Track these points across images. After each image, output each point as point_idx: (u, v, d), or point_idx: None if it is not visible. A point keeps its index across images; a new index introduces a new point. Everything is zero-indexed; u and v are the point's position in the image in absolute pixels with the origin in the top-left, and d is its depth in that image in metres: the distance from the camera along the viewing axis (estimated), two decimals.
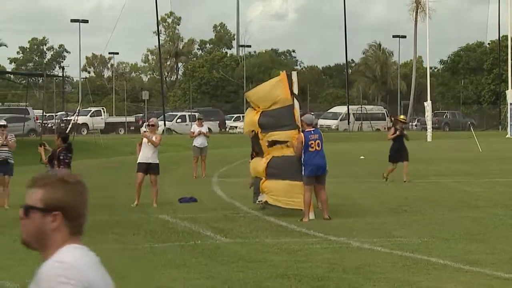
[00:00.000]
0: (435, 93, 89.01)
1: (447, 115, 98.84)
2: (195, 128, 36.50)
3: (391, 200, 24.65)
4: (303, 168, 22.76)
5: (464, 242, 18.66)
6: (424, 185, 30.85)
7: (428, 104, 76.50)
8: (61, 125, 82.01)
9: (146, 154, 25.74)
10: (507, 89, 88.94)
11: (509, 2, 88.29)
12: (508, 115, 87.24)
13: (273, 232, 20.99)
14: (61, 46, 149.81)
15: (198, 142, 34.76)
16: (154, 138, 25.69)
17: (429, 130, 72.52)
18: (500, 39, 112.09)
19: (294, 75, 25.43)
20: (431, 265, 16.05)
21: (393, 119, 30.36)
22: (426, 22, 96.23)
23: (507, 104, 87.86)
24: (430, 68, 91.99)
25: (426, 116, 75.86)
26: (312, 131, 23.24)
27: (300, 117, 23.54)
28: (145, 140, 25.73)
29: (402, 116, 39.17)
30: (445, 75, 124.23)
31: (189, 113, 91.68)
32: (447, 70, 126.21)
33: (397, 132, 31.28)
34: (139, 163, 25.85)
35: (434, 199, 25.17)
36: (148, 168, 25.99)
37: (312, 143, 22.86)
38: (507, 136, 76.93)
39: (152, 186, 25.88)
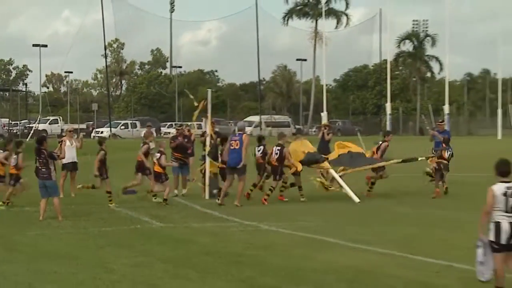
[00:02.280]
0: (329, 106, 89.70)
1: (339, 123, 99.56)
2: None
3: (295, 191, 24.65)
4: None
5: (353, 226, 18.87)
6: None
7: (324, 115, 77.38)
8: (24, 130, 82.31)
9: (72, 155, 25.59)
10: (386, 103, 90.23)
11: (388, 35, 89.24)
12: (388, 123, 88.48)
13: (199, 218, 21.03)
14: (24, 66, 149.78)
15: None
16: (74, 142, 25.57)
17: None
18: (381, 62, 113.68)
19: (209, 92, 25.82)
20: (325, 243, 16.25)
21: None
22: (323, 48, 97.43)
23: (386, 114, 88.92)
24: (326, 85, 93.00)
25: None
26: (236, 135, 23.82)
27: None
28: (68, 143, 25.46)
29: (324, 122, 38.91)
30: (337, 91, 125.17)
31: (131, 121, 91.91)
32: (339, 87, 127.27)
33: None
34: (66, 163, 25.58)
35: (331, 191, 25.21)
36: (73, 167, 26.05)
37: (232, 143, 23.48)
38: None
39: (72, 180, 26.00)
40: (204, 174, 25.26)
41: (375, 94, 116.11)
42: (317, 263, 13.82)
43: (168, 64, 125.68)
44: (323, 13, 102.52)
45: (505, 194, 10.75)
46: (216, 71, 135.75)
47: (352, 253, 14.98)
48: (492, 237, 10.84)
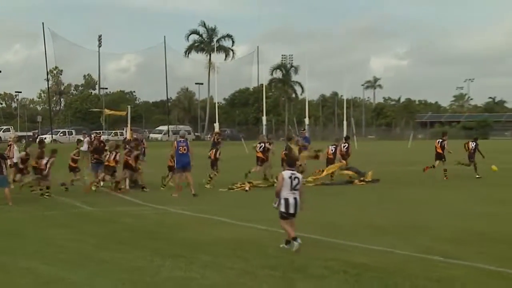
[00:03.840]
0: (220, 118, 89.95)
1: (227, 131, 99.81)
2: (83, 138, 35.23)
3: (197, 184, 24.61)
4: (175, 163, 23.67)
5: (242, 209, 18.96)
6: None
7: (216, 125, 77.40)
8: None
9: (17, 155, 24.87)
10: (263, 116, 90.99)
11: (264, 66, 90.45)
12: (264, 131, 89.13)
13: (122, 203, 20.80)
14: None
15: (84, 147, 33.51)
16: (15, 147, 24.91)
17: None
18: (259, 86, 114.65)
19: (128, 108, 25.88)
20: (218, 222, 16.26)
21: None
22: (215, 75, 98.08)
23: (262, 125, 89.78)
24: (218, 102, 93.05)
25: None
26: (181, 141, 23.66)
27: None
28: (15, 147, 24.65)
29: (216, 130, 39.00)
30: (226, 107, 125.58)
31: (68, 130, 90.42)
32: (228, 104, 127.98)
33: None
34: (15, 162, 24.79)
35: (225, 183, 25.23)
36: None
37: (180, 148, 23.33)
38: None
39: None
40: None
41: (254, 110, 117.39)
42: (211, 237, 13.82)
43: (97, 86, 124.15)
44: (215, 49, 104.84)
45: (290, 178, 12.20)
46: (134, 91, 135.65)
47: (238, 229, 15.04)
48: (282, 209, 12.31)
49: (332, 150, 28.97)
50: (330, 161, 28.57)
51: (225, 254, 11.93)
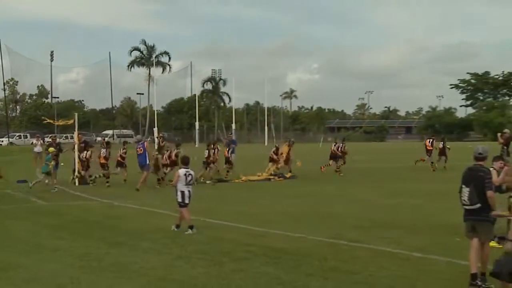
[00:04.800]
0: (159, 124, 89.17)
1: (165, 135, 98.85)
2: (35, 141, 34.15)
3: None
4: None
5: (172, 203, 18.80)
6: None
7: (155, 129, 76.89)
8: None
9: None
10: (195, 122, 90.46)
11: (196, 78, 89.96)
12: (197, 135, 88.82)
13: (73, 198, 20.28)
14: None
15: (37, 149, 32.47)
16: None
17: (156, 143, 72.66)
18: (192, 96, 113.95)
19: (75, 115, 25.56)
20: (157, 214, 16.12)
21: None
22: (154, 86, 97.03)
23: (195, 130, 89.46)
24: (156, 110, 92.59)
25: (155, 135, 76.06)
26: (139, 143, 23.94)
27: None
28: None
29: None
30: (164, 114, 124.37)
31: (23, 134, 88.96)
32: (166, 111, 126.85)
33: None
34: None
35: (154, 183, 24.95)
36: None
37: (138, 150, 23.57)
38: (196, 145, 78.15)
39: None
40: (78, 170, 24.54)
41: (188, 116, 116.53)
42: (152, 227, 13.68)
43: (49, 95, 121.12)
44: (154, 63, 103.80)
45: (185, 175, 12.91)
46: (82, 100, 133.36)
47: (173, 220, 14.88)
48: (180, 199, 13.00)
49: (334, 148, 30.23)
50: (332, 157, 30.08)
51: (164, 241, 11.84)
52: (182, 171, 13.09)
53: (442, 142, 31.89)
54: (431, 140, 32.31)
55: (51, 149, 23.90)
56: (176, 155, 24.01)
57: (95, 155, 24.96)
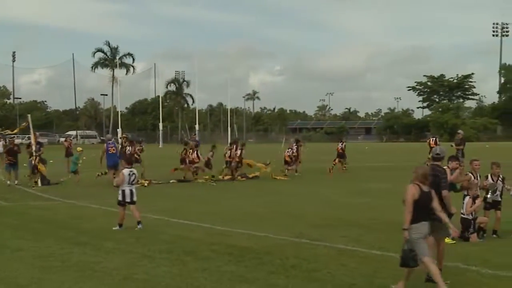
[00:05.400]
0: (123, 124, 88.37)
1: (129, 135, 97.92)
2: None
3: (103, 182, 23.98)
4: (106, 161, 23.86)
5: (140, 202, 18.57)
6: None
7: (119, 130, 76.22)
8: None
9: None
10: (159, 123, 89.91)
11: (160, 79, 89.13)
12: (160, 136, 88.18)
13: (34, 198, 19.95)
14: None
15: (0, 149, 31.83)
16: None
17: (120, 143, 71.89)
18: (156, 97, 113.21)
19: (28, 117, 25.31)
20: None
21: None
22: (118, 88, 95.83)
23: (159, 130, 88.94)
24: (120, 111, 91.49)
25: (119, 136, 75.35)
26: (110, 143, 24.07)
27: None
28: None
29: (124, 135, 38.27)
30: (128, 115, 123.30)
31: None
32: (129, 112, 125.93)
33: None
34: None
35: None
36: None
37: (110, 149, 23.63)
38: (160, 146, 77.63)
39: None
40: (37, 169, 24.07)
41: (152, 117, 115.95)
42: (115, 226, 13.49)
43: (11, 96, 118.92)
44: (118, 65, 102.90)
45: (129, 174, 13.16)
46: (45, 101, 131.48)
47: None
48: (120, 198, 13.17)
49: (341, 147, 31.11)
50: (339, 156, 30.84)
51: (128, 241, 11.74)
52: (126, 171, 13.30)
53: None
54: (434, 138, 33.86)
55: (79, 148, 24.94)
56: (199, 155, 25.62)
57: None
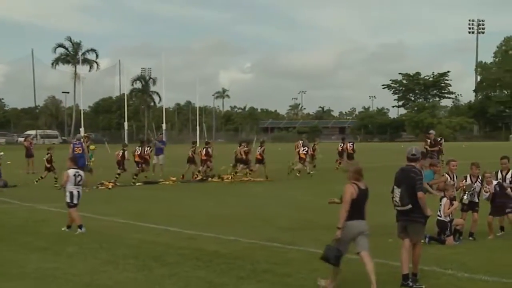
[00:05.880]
0: (86, 123, 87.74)
1: (92, 135, 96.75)
2: None
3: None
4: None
5: (103, 204, 18.45)
6: None
7: (82, 129, 75.48)
8: None
9: None
10: (125, 122, 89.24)
11: (125, 77, 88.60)
12: (126, 136, 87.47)
13: None
14: None
15: None
16: None
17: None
18: (121, 95, 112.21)
19: None
20: (83, 217, 15.72)
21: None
22: (81, 85, 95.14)
23: (124, 130, 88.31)
24: (83, 109, 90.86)
25: (80, 134, 74.55)
26: (77, 143, 23.94)
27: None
28: None
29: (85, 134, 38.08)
30: (91, 113, 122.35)
31: None
32: (93, 111, 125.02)
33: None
34: None
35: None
36: None
37: (76, 149, 23.28)
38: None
39: None
40: None
41: (117, 116, 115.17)
42: (75, 230, 13.29)
43: None
44: (80, 61, 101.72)
45: (74, 175, 13.25)
46: (2, 99, 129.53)
47: (101, 223, 14.67)
48: (68, 200, 13.30)
49: (350, 146, 32.20)
50: (349, 156, 31.68)
51: (91, 246, 11.61)
52: (71, 172, 13.35)
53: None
54: (439, 138, 34.56)
55: (93, 146, 25.43)
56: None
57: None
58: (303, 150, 29.05)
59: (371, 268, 8.17)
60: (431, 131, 32.12)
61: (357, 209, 8.24)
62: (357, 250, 8.36)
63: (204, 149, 27.62)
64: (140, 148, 26.38)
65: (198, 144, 28.94)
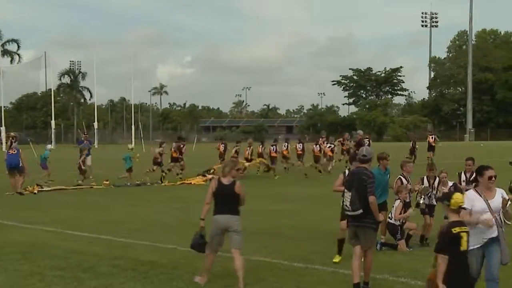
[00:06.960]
0: (7, 122, 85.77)
1: (17, 134, 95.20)
2: None
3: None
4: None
5: (27, 211, 18.02)
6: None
7: (3, 129, 73.65)
8: None
9: None
10: (51, 120, 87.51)
11: (52, 71, 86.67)
12: (53, 135, 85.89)
13: None
14: None
15: None
16: None
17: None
18: (47, 90, 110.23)
19: None
20: (5, 225, 15.40)
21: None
22: (1, 79, 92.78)
23: (51, 129, 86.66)
24: (4, 106, 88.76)
25: (3, 135, 72.94)
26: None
27: None
28: None
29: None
30: (13, 111, 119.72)
31: None
32: (15, 108, 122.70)
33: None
34: None
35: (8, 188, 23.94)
36: None
37: (11, 150, 23.53)
38: (51, 147, 75.74)
39: None
40: None
41: (43, 114, 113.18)
42: None
43: None
44: (0, 53, 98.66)
45: None
46: None
47: (25, 231, 14.37)
48: None
49: (352, 144, 33.06)
50: (330, 157, 32.23)
51: (13, 257, 11.34)
52: None
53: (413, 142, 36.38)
54: (433, 136, 36.60)
55: (130, 146, 27.19)
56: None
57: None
58: (328, 147, 31.56)
59: (240, 265, 8.99)
60: (359, 131, 34.08)
61: (220, 204, 9.00)
62: (229, 246, 9.13)
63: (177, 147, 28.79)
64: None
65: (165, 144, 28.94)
